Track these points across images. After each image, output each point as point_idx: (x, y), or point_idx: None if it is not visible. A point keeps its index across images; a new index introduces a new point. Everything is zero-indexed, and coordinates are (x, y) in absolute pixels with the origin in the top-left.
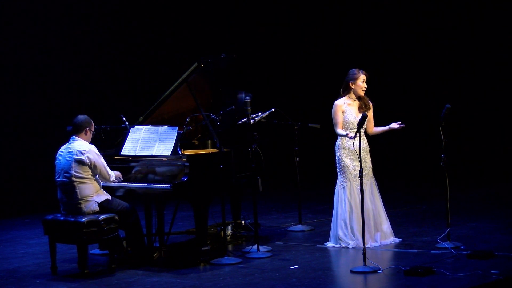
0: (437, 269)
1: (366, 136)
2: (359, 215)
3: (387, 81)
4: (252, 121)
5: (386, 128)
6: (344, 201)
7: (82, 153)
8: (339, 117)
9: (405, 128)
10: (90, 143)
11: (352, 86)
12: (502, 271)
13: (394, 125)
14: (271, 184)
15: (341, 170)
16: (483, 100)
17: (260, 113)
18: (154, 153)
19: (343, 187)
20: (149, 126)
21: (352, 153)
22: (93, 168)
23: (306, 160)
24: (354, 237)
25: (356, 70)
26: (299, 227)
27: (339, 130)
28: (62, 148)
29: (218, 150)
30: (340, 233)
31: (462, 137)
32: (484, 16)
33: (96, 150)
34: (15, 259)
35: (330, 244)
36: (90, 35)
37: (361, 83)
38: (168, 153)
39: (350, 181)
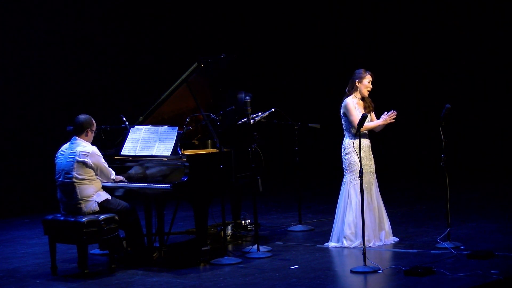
0: (437, 269)
1: (370, 134)
2: (369, 213)
3: (387, 81)
4: (252, 121)
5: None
6: (355, 199)
7: (85, 155)
8: (356, 115)
9: (405, 128)
10: (91, 143)
11: (359, 85)
12: (502, 271)
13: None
14: (271, 184)
15: (351, 168)
16: (483, 100)
17: (260, 113)
18: (154, 153)
19: (353, 185)
20: (149, 126)
21: (362, 151)
22: (96, 169)
23: (306, 160)
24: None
25: (362, 70)
26: (299, 227)
27: (366, 124)
28: (64, 148)
29: (218, 150)
30: (347, 232)
31: (462, 137)
32: (484, 16)
33: (97, 151)
34: (15, 259)
35: (332, 243)
36: (90, 34)
37: (367, 83)
38: (168, 153)
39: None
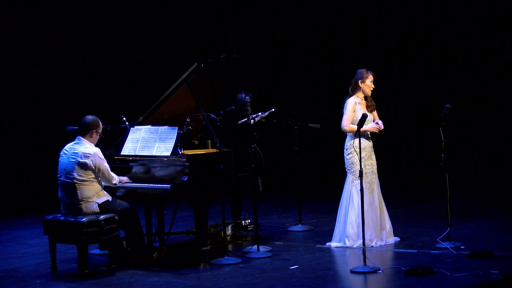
0: (437, 269)
1: (372, 133)
2: (371, 213)
3: (387, 81)
4: (252, 121)
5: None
6: (357, 199)
7: (87, 157)
8: (352, 115)
9: (405, 128)
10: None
11: (361, 86)
12: (502, 271)
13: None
14: (271, 184)
15: (352, 168)
16: (483, 100)
17: (260, 113)
18: (154, 153)
19: (355, 185)
20: (149, 126)
21: (363, 151)
22: (97, 171)
23: (306, 160)
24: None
25: (364, 71)
26: (299, 227)
27: (352, 125)
28: (67, 147)
29: (218, 150)
30: (350, 231)
31: (462, 137)
32: (484, 16)
33: (100, 153)
34: (15, 259)
35: (334, 243)
36: (90, 34)
37: (369, 82)
38: (168, 153)
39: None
